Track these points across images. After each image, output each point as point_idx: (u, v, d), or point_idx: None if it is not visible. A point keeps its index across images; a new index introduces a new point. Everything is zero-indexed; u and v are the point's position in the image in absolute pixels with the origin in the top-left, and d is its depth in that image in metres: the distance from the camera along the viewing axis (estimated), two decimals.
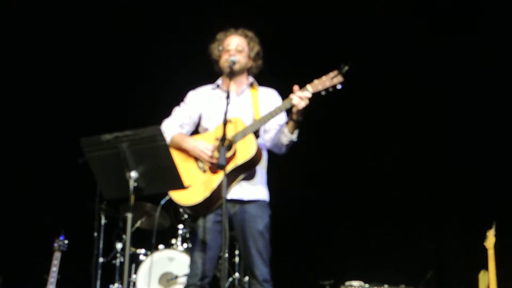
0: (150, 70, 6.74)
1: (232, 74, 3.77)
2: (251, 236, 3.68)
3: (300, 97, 3.55)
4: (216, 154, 3.63)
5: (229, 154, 3.61)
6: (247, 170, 3.70)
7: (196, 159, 3.74)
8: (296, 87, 3.59)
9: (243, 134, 3.66)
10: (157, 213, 5.34)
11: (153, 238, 5.46)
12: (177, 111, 3.97)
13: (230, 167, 3.61)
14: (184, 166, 3.70)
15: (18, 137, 6.55)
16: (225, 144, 3.56)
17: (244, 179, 3.72)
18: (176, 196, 3.69)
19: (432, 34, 6.26)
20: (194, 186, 3.66)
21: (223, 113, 3.50)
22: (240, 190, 3.72)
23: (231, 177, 3.66)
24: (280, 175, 4.06)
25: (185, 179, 3.59)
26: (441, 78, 6.27)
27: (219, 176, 3.61)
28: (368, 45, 6.29)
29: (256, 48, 3.92)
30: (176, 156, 3.72)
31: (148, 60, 6.71)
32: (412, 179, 6.39)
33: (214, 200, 3.63)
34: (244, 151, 3.63)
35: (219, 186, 3.59)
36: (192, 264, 3.72)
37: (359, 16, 6.35)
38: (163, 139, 3.24)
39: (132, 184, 3.22)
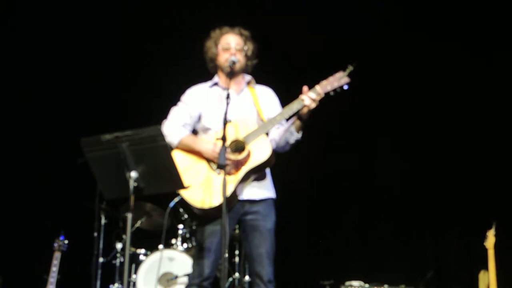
0: (149, 70, 6.73)
1: (233, 74, 3.76)
2: (260, 234, 3.68)
3: (311, 98, 3.56)
4: (231, 156, 3.59)
5: (242, 155, 3.60)
6: (259, 171, 3.70)
7: (208, 161, 3.71)
8: (305, 88, 3.59)
9: (255, 135, 3.65)
10: (166, 216, 5.28)
11: (161, 241, 5.40)
12: (176, 111, 3.90)
13: (245, 168, 3.61)
14: (196, 168, 3.69)
15: (19, 137, 6.55)
16: (228, 144, 3.57)
17: (254, 180, 3.72)
18: (191, 198, 3.64)
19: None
20: (210, 189, 3.62)
21: (225, 113, 3.47)
22: (251, 191, 3.71)
23: (244, 178, 3.65)
24: (281, 174, 4.05)
25: (198, 181, 3.61)
26: (440, 76, 6.29)
27: (237, 178, 3.59)
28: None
29: (252, 47, 3.91)
30: (187, 158, 3.72)
31: (148, 60, 6.72)
32: (412, 179, 6.39)
33: (229, 203, 3.60)
34: (259, 152, 3.62)
35: (236, 189, 3.59)
36: (196, 265, 3.70)
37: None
38: (163, 139, 3.23)
39: (132, 184, 3.22)
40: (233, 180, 3.60)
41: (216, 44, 3.88)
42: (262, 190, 3.75)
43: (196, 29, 5.81)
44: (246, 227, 3.74)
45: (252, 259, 3.72)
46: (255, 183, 3.72)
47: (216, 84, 3.93)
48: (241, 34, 3.90)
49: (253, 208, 3.71)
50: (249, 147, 3.63)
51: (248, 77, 3.94)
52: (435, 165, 6.33)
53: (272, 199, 3.81)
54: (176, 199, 5.28)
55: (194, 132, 3.93)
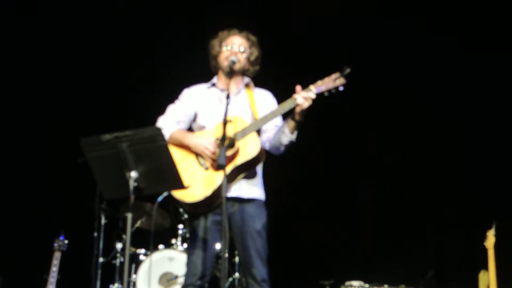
0: (148, 69, 6.73)
1: (232, 73, 3.78)
2: (249, 235, 3.68)
3: (304, 98, 3.56)
4: (219, 151, 3.59)
5: (231, 152, 3.60)
6: (249, 168, 3.70)
7: (197, 155, 3.73)
8: (299, 88, 3.59)
9: (245, 132, 3.66)
10: (153, 211, 5.32)
11: (151, 238, 5.44)
12: (172, 108, 3.95)
13: (232, 165, 3.61)
14: (185, 163, 3.70)
15: (18, 136, 6.55)
16: (226, 143, 3.57)
17: (244, 177, 3.71)
18: (177, 193, 3.67)
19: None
20: (196, 184, 3.65)
21: (223, 112, 3.50)
22: (239, 189, 3.71)
23: (233, 175, 3.65)
24: (281, 174, 4.05)
25: (186, 176, 3.59)
26: (443, 78, 6.29)
27: (221, 174, 3.57)
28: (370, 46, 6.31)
29: (256, 53, 3.94)
30: (176, 152, 3.73)
31: (148, 59, 6.72)
32: (412, 179, 6.38)
33: (215, 198, 3.61)
34: (247, 149, 3.63)
35: (221, 185, 3.57)
36: (190, 264, 3.71)
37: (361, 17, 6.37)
38: (163, 139, 3.24)
39: (132, 184, 3.22)
40: (220, 176, 3.58)
41: (220, 43, 3.91)
42: (251, 188, 3.74)
43: (198, 30, 5.86)
44: (236, 228, 3.73)
45: (244, 260, 3.73)
46: (244, 181, 3.72)
47: (214, 85, 3.96)
48: (248, 38, 3.93)
49: (242, 208, 3.71)
50: (238, 144, 3.64)
51: (246, 79, 3.95)
52: (435, 164, 6.33)
53: (261, 200, 3.80)
54: (165, 194, 5.25)
55: (190, 130, 3.94)
